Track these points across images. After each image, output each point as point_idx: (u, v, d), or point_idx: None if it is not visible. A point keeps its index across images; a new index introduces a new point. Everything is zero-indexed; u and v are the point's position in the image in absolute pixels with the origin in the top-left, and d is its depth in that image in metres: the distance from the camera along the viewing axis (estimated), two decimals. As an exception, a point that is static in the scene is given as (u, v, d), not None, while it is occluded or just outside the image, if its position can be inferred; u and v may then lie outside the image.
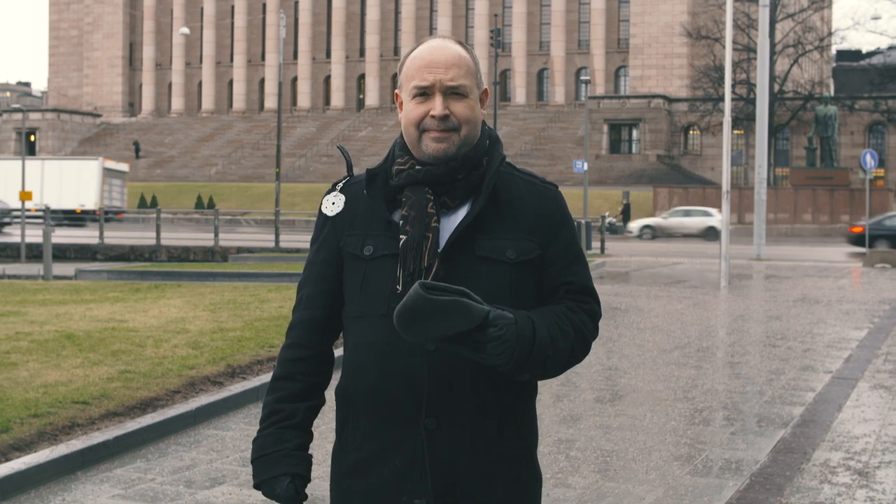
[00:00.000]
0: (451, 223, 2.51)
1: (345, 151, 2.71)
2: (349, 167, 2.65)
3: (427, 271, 2.44)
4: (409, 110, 2.54)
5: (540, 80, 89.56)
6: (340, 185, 2.65)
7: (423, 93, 2.52)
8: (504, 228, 2.53)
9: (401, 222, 2.49)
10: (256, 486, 2.57)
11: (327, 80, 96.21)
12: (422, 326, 2.31)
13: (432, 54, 2.53)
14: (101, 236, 37.31)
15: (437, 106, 2.50)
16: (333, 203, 2.62)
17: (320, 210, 2.65)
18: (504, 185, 2.57)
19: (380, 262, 2.51)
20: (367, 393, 2.51)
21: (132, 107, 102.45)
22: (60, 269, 28.61)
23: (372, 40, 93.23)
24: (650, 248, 34.83)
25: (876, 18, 67.93)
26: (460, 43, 2.59)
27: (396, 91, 2.64)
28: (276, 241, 34.44)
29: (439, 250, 2.46)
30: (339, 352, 2.61)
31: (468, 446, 2.47)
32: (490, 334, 2.34)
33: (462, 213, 2.52)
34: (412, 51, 2.59)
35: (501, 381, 2.49)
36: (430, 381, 2.44)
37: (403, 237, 2.47)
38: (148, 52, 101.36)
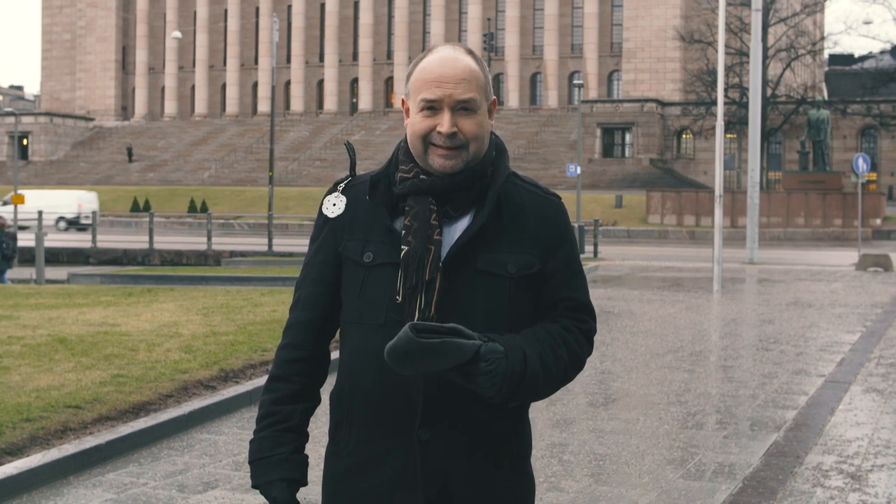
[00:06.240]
0: (452, 233, 2.48)
1: (351, 149, 2.67)
2: (352, 165, 2.63)
3: (429, 284, 2.42)
4: (416, 122, 2.49)
5: (533, 83, 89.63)
6: (342, 185, 2.60)
7: (431, 107, 2.47)
8: (506, 242, 2.50)
9: (403, 232, 2.46)
10: (255, 487, 2.59)
11: (320, 83, 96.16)
12: (413, 364, 2.33)
13: (442, 67, 2.48)
14: (93, 240, 37.23)
15: (444, 123, 2.45)
16: (334, 204, 2.58)
17: (321, 210, 2.61)
18: (507, 195, 2.54)
19: (379, 269, 2.48)
20: (361, 399, 2.50)
21: (125, 110, 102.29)
22: (53, 273, 28.58)
23: (365, 44, 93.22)
24: (643, 252, 34.89)
25: (867, 23, 68.06)
26: (471, 53, 2.53)
27: (403, 97, 2.59)
28: (270, 245, 34.38)
29: (441, 263, 2.44)
30: (335, 354, 2.60)
31: (461, 456, 2.46)
32: (481, 369, 2.34)
33: (464, 223, 2.50)
34: (421, 59, 2.54)
35: None
36: (424, 390, 2.43)
37: (405, 248, 2.44)
38: (141, 56, 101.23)
